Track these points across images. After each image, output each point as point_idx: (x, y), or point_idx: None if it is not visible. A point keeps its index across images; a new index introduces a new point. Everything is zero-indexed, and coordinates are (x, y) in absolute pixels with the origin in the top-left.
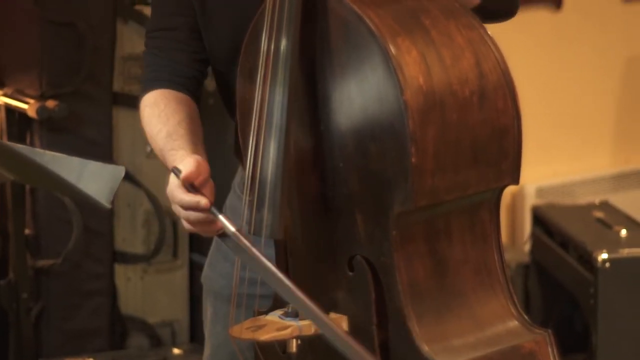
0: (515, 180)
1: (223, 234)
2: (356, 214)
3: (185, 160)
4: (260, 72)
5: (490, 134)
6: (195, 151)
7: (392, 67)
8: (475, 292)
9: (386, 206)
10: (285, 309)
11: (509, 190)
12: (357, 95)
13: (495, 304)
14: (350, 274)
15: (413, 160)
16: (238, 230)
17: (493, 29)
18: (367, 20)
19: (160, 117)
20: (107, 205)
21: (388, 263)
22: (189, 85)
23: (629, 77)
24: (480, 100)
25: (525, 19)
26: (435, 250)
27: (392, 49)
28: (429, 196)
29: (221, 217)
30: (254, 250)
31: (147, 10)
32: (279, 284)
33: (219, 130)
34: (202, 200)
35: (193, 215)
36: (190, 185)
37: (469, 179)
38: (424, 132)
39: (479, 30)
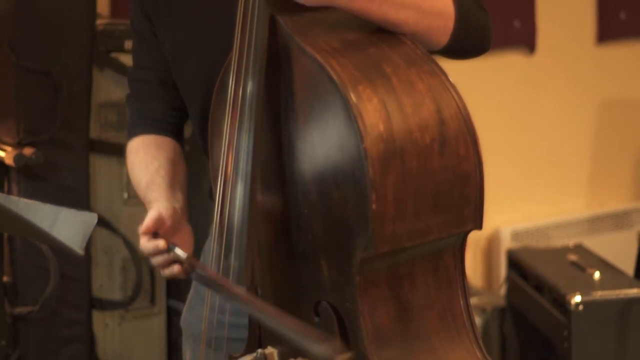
0: (479, 225)
1: (191, 271)
2: (321, 260)
3: (148, 213)
4: (227, 118)
5: (451, 180)
6: (170, 198)
7: (352, 115)
8: (440, 337)
9: (349, 252)
10: (254, 354)
11: (484, 233)
12: (320, 143)
13: (461, 348)
14: (316, 319)
15: (373, 207)
16: (188, 256)
17: (468, 73)
18: (329, 69)
19: (140, 165)
20: (80, 252)
21: (352, 309)
22: (168, 128)
23: (603, 120)
24: (440, 147)
25: (499, 63)
26: (399, 295)
27: (353, 97)
28: (391, 242)
29: (176, 250)
30: (210, 270)
31: (123, 58)
32: (243, 303)
33: (195, 176)
34: (160, 243)
35: (159, 259)
36: (153, 234)
37: (431, 225)
38: (384, 179)
39: (441, 77)
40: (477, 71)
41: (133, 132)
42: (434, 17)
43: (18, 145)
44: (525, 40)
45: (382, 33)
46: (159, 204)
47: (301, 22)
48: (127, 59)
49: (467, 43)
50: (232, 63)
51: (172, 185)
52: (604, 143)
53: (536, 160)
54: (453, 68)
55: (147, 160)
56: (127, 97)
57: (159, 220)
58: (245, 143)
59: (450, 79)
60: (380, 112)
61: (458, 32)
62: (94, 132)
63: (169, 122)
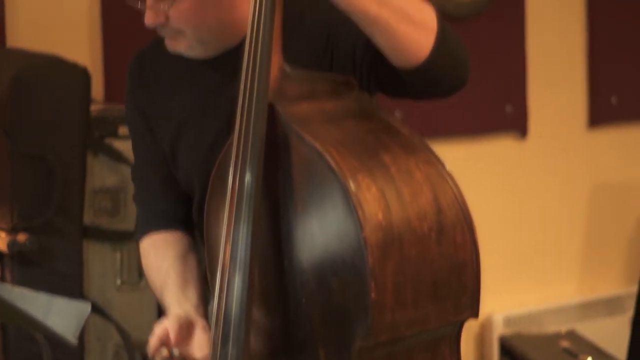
0: (475, 313)
1: None
2: (319, 348)
3: (154, 330)
4: (226, 207)
5: (449, 268)
6: (182, 300)
7: (351, 204)
8: None
9: (348, 341)
10: None
11: (477, 320)
12: (319, 231)
13: None
14: None
15: (373, 295)
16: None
17: (460, 157)
18: (328, 157)
19: (152, 269)
20: (74, 341)
21: None
22: (176, 221)
23: (595, 205)
24: (438, 236)
25: (491, 147)
26: None
27: (352, 186)
28: (390, 331)
29: (173, 351)
30: None
31: (117, 144)
32: None
33: None
34: (163, 352)
35: None
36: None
37: (429, 313)
38: (383, 267)
39: (437, 166)
40: (469, 155)
41: (142, 232)
42: (415, 26)
43: (12, 230)
44: (517, 125)
45: (380, 122)
46: (168, 311)
47: (300, 111)
48: (121, 145)
49: (445, 65)
50: (231, 153)
51: (183, 285)
52: (596, 227)
53: (528, 245)
54: (446, 153)
55: (157, 264)
56: (133, 196)
57: (163, 337)
58: (244, 233)
59: (447, 167)
60: (379, 201)
61: (438, 48)
62: (88, 218)
63: (175, 217)
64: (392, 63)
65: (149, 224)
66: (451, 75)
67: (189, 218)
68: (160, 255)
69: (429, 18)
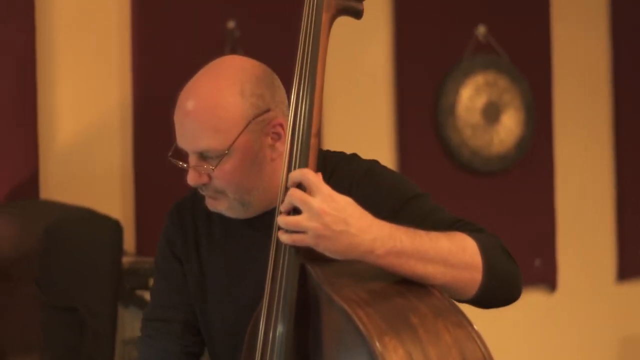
0: None
1: None
2: None
3: None
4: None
5: None
6: None
7: None
8: None
9: None
10: None
11: None
12: None
13: None
14: None
15: None
16: None
17: (489, 313)
18: (356, 319)
19: None
20: None
21: None
22: None
23: (624, 357)
24: None
25: (520, 302)
26: None
27: (379, 347)
28: None
29: None
30: None
31: (147, 296)
32: None
33: None
34: None
35: None
36: None
37: None
38: None
39: (467, 328)
40: (498, 310)
41: None
42: (461, 270)
43: None
44: (546, 279)
45: (409, 283)
46: None
47: (330, 272)
48: None
49: (496, 294)
50: (263, 309)
51: None
52: None
53: None
54: (474, 308)
55: None
56: (139, 338)
57: None
58: None
59: (476, 328)
60: None
61: (486, 283)
62: None
63: None
64: None
65: None
66: (502, 298)
67: None
68: None
69: (473, 256)
